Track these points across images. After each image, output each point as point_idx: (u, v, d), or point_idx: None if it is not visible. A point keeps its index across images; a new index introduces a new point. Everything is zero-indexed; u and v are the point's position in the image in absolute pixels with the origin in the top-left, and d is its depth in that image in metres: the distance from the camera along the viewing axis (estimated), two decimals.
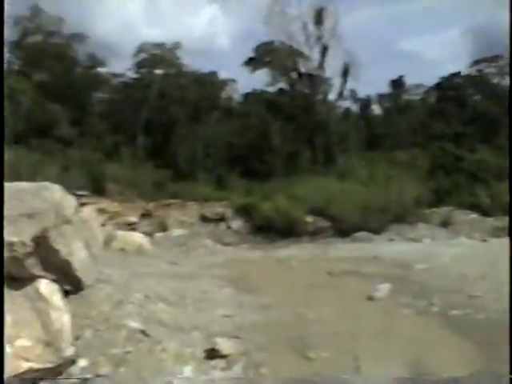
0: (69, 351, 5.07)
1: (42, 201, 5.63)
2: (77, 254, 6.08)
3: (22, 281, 5.38)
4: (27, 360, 4.79)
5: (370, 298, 9.20)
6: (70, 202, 6.24)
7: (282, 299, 8.96)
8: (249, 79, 52.35)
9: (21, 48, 40.39)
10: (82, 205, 8.59)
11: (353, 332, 7.02)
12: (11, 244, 5.16)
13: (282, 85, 43.52)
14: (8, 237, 5.18)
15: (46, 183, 6.10)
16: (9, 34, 39.82)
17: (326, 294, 9.50)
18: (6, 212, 5.36)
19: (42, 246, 5.39)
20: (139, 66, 43.10)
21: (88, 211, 8.66)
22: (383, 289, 9.57)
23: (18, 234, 5.23)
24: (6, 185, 6.09)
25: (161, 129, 38.57)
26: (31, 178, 17.49)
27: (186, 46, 43.64)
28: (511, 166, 21.43)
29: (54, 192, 5.89)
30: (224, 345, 6.09)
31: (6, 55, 40.30)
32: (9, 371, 4.67)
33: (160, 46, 42.42)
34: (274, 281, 11.11)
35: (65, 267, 5.80)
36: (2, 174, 5.17)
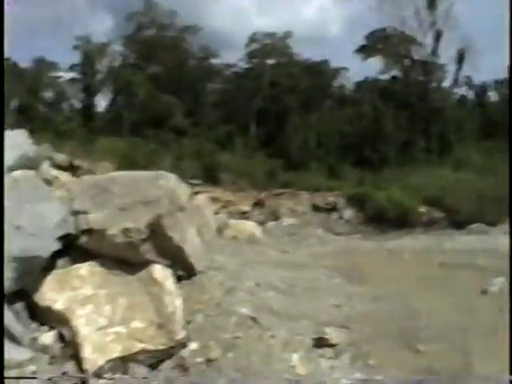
0: (180, 334, 5.20)
1: (157, 189, 5.79)
2: (190, 241, 6.22)
3: (137, 266, 5.58)
4: (141, 341, 4.97)
5: (484, 292, 8.87)
6: (183, 190, 6.39)
7: (393, 290, 8.80)
8: (361, 67, 51.82)
9: (135, 42, 41.82)
10: (196, 193, 8.81)
11: (464, 326, 6.80)
12: (127, 230, 5.38)
13: (395, 72, 42.69)
14: (124, 223, 5.40)
15: (161, 172, 6.28)
16: (123, 28, 41.54)
17: (438, 287, 9.26)
18: (122, 199, 5.58)
19: (156, 232, 5.55)
20: (251, 55, 43.56)
21: (201, 200, 8.89)
22: (498, 283, 9.20)
23: (133, 221, 5.44)
24: (123, 173, 6.34)
25: (273, 118, 38.81)
26: (146, 167, 18.19)
27: (297, 34, 43.79)
28: (511, 166, 20.11)
29: (169, 180, 6.05)
30: (332, 334, 6.07)
31: (121, 49, 42.03)
32: (122, 351, 4.87)
33: (271, 35, 42.69)
34: (385, 272, 10.93)
35: (178, 253, 5.95)
36: (2, 174, 5.32)
